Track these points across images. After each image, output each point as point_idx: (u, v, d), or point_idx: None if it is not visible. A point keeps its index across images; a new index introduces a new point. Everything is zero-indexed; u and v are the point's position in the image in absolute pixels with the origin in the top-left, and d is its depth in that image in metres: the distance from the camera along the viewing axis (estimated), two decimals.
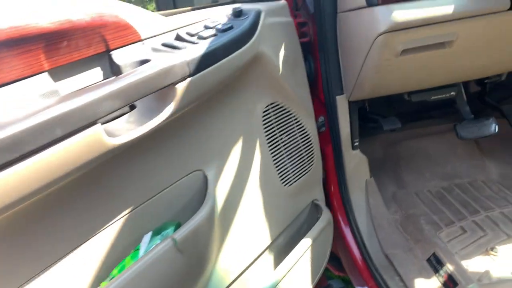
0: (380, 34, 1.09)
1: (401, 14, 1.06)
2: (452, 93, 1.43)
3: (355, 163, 1.45)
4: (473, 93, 1.77)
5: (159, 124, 0.79)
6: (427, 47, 1.16)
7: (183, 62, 0.82)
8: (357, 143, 1.44)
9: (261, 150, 1.12)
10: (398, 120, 1.45)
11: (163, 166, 0.88)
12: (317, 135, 1.31)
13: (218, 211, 0.97)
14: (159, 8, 1.46)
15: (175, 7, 1.43)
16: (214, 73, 0.89)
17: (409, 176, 1.65)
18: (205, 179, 0.96)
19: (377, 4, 1.07)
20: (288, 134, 1.20)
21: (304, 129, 1.25)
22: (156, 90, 0.77)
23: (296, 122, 1.22)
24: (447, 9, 1.07)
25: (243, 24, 0.99)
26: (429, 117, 1.81)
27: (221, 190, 0.99)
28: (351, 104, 1.38)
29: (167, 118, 0.80)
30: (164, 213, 0.89)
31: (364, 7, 1.11)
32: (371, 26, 1.11)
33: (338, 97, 1.36)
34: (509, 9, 1.09)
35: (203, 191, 0.95)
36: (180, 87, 0.82)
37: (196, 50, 0.86)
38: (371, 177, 1.49)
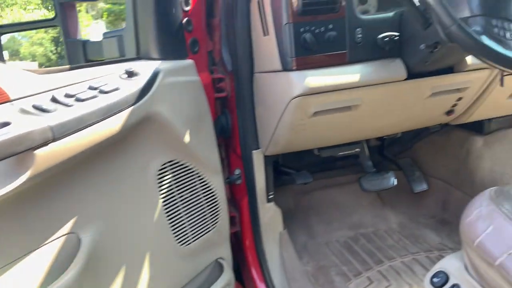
0: (294, 97, 1.15)
1: (314, 80, 1.13)
2: (357, 149, 1.55)
3: (270, 215, 1.47)
4: (373, 146, 1.93)
5: (13, 190, 0.74)
6: (336, 110, 1.24)
7: (45, 127, 0.78)
8: (271, 196, 1.47)
9: (154, 209, 1.09)
10: (309, 174, 1.52)
11: (25, 231, 0.82)
12: (224, 192, 1.31)
13: (91, 277, 0.91)
14: (70, 61, 1.41)
15: (86, 60, 1.39)
16: (86, 137, 0.86)
17: (319, 226, 1.72)
18: (78, 243, 0.90)
19: (292, 70, 1.13)
20: (190, 192, 1.19)
21: (208, 187, 1.24)
22: (9, 156, 0.73)
23: (200, 180, 1.21)
24: (354, 78, 1.17)
25: (133, 85, 0.99)
26: (336, 168, 1.93)
27: (99, 254, 0.93)
28: (266, 158, 1.42)
29: (23, 184, 0.76)
30: (22, 283, 0.82)
31: (280, 71, 1.17)
32: (286, 89, 1.16)
33: (254, 152, 1.39)
34: (406, 79, 1.22)
35: (73, 256, 0.89)
36: (40, 153, 0.77)
37: (66, 114, 0.83)
38: (284, 229, 1.52)
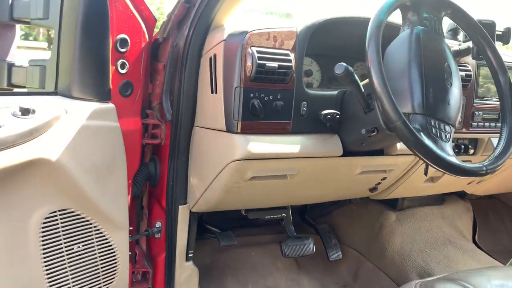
0: (234, 161, 1.12)
1: (256, 146, 1.12)
2: (283, 214, 1.54)
3: (186, 275, 1.39)
4: (295, 208, 1.95)
5: None
6: (273, 177, 1.23)
7: None
8: (191, 254, 1.40)
9: (30, 260, 0.99)
10: (234, 236, 1.48)
11: None
12: (127, 251, 1.21)
13: None
14: None
15: (9, 83, 1.26)
16: None
17: (234, 287, 1.66)
18: None
19: (236, 132, 1.11)
20: (83, 246, 1.09)
21: (107, 243, 1.15)
22: None
23: (98, 234, 1.12)
24: (294, 148, 1.18)
25: (23, 124, 0.90)
26: (258, 226, 1.90)
27: None
28: (192, 214, 1.35)
29: None
30: None
31: (223, 131, 1.13)
32: (226, 150, 1.13)
33: (180, 207, 1.32)
34: (341, 156, 1.25)
35: None
36: None
37: None
38: None
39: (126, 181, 1.15)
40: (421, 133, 0.97)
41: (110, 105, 1.10)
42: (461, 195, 2.21)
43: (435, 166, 0.97)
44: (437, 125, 1.01)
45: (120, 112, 1.14)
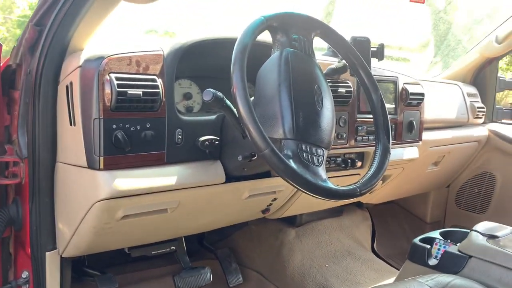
0: (99, 201, 1.00)
1: (124, 182, 1.01)
2: (173, 247, 1.45)
3: None
4: (192, 235, 1.85)
5: None
6: (150, 213, 1.13)
7: None
8: None
9: None
10: (115, 278, 1.34)
11: None
12: None
13: None
14: None
15: None
16: None
17: None
18: None
19: (99, 169, 0.99)
20: None
21: None
22: None
23: None
24: (171, 180, 1.09)
25: None
26: (150, 259, 1.77)
27: None
28: (64, 260, 1.20)
29: None
30: None
31: (86, 167, 1.01)
32: (90, 190, 1.01)
33: (48, 253, 1.16)
34: (225, 182, 1.19)
35: None
36: None
37: None
38: None
39: None
40: (291, 160, 0.94)
41: None
42: (359, 205, 2.27)
43: (307, 192, 0.94)
44: (308, 150, 0.98)
45: None
